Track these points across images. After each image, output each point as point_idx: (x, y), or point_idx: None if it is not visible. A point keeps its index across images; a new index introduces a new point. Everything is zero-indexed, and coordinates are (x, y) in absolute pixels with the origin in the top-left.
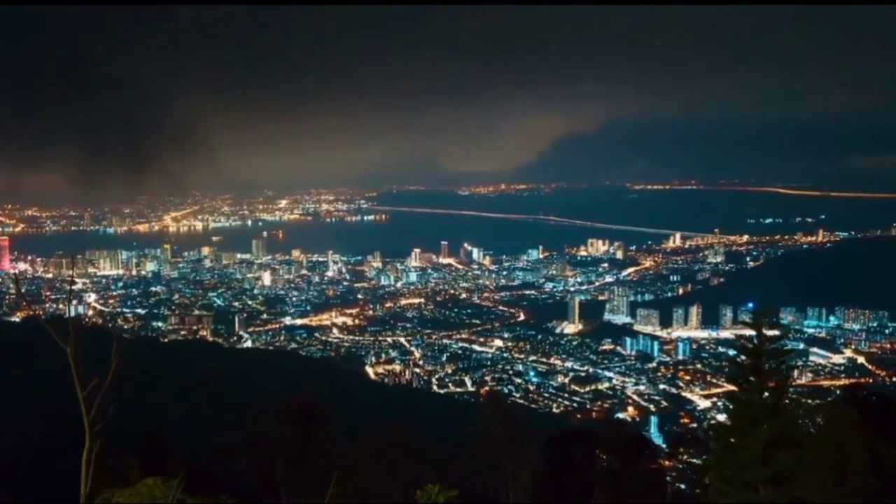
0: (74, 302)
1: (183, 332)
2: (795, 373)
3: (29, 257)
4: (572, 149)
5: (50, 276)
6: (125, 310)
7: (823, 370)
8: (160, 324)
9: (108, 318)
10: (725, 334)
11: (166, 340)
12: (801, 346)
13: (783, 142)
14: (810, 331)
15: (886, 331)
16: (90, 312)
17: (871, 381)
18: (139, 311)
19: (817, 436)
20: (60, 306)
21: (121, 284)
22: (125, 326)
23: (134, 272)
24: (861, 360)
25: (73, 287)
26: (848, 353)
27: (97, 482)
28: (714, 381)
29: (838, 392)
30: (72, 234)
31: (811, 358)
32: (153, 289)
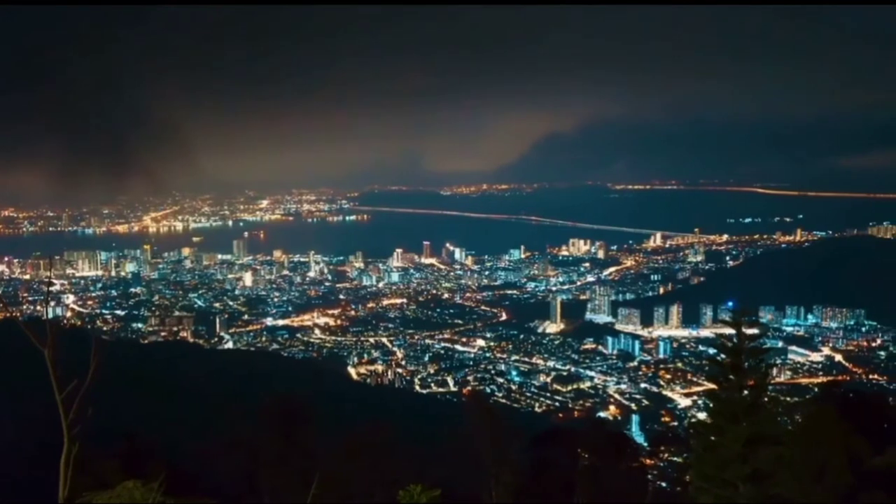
0: (52, 303)
1: (163, 334)
2: (774, 371)
3: (5, 258)
4: (554, 149)
5: (27, 277)
6: (104, 311)
7: (802, 368)
8: (140, 325)
9: (87, 320)
10: (705, 333)
11: (146, 342)
12: (780, 344)
13: (762, 142)
14: (789, 329)
15: (863, 329)
16: (68, 314)
17: (848, 378)
18: (119, 312)
19: (796, 433)
20: (38, 308)
21: (100, 286)
22: (104, 328)
23: (113, 273)
24: (838, 357)
25: (51, 288)
26: (826, 350)
27: (76, 485)
28: (694, 379)
29: (816, 389)
30: (49, 235)
31: (790, 356)
32: (133, 290)
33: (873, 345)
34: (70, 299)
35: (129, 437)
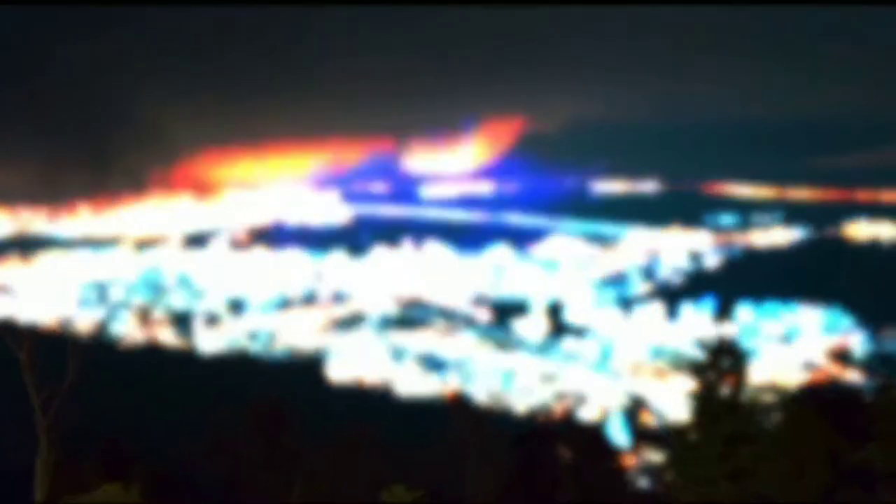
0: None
1: (143, 336)
2: (753, 370)
3: None
4: (535, 148)
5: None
6: (82, 314)
7: (781, 367)
8: (119, 328)
9: (65, 324)
10: (686, 332)
11: (125, 345)
12: (759, 342)
13: (742, 140)
14: (768, 327)
15: (841, 327)
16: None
17: (826, 377)
18: (96, 314)
19: (775, 431)
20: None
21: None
22: (82, 331)
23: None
24: (817, 356)
25: None
26: (804, 349)
27: (56, 488)
28: (675, 378)
29: (795, 388)
30: (25, 234)
31: (769, 355)
32: (111, 291)
33: (851, 343)
34: (47, 302)
35: (110, 441)
